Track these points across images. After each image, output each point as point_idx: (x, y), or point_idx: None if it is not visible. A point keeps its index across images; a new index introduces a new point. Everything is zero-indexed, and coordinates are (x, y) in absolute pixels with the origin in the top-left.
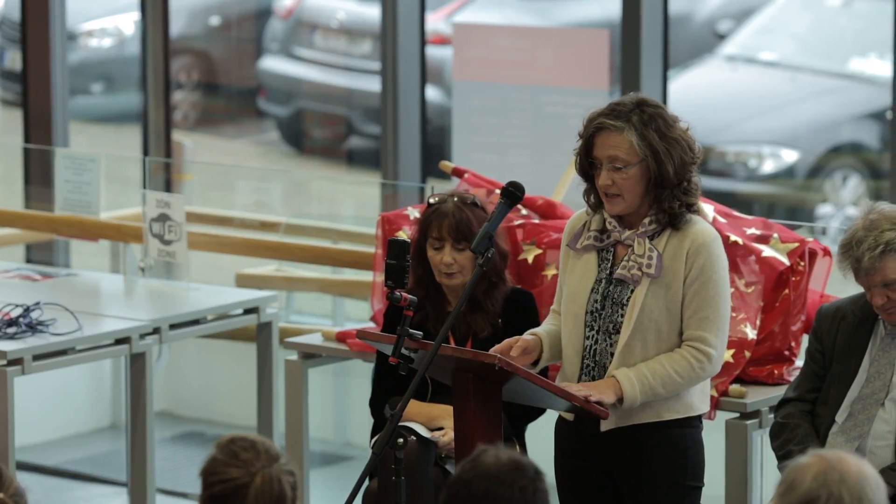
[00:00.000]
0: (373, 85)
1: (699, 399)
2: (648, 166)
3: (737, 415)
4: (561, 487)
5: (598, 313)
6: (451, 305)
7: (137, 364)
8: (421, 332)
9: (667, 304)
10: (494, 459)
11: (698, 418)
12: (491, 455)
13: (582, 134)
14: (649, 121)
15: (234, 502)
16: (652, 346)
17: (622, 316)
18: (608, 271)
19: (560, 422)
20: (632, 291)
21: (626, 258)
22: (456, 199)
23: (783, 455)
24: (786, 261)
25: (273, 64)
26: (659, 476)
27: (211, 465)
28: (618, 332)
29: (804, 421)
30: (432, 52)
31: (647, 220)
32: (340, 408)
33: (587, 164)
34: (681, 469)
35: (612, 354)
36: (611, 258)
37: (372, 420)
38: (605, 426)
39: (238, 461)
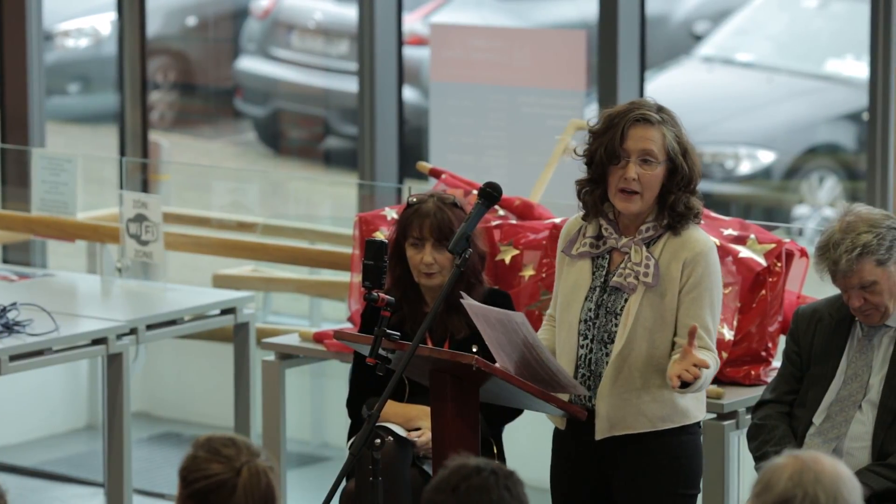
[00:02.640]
0: (350, 85)
1: (695, 406)
2: (668, 167)
3: (714, 416)
4: (555, 494)
5: (592, 322)
6: (429, 306)
7: (114, 364)
8: (398, 333)
9: (661, 312)
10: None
11: (696, 424)
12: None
13: (612, 124)
14: (672, 123)
15: (218, 499)
16: (644, 354)
17: (616, 325)
18: (603, 279)
19: (557, 430)
20: (625, 300)
21: (622, 266)
22: (436, 198)
23: (760, 456)
24: (763, 262)
25: (250, 64)
26: (653, 483)
27: (191, 463)
28: (612, 341)
29: (781, 422)
30: (409, 52)
31: (644, 227)
32: (318, 408)
33: (607, 159)
34: (675, 477)
35: (606, 363)
36: (606, 265)
37: (349, 421)
38: (598, 435)
39: (220, 457)
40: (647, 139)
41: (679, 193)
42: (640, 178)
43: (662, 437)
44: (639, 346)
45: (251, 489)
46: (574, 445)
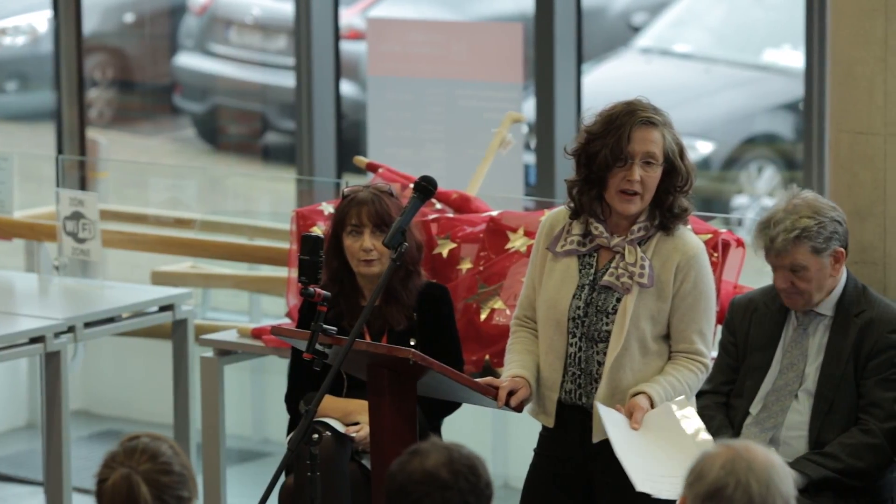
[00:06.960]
0: (288, 81)
1: None
2: (666, 168)
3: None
4: (530, 489)
5: (581, 320)
6: (366, 299)
7: (52, 363)
8: (335, 328)
9: (653, 312)
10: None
11: None
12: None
13: (615, 125)
14: (668, 123)
15: (100, 501)
16: (637, 353)
17: (607, 324)
18: (591, 277)
19: (544, 430)
20: (617, 300)
21: (613, 265)
22: (372, 188)
23: None
24: None
25: (188, 61)
26: None
27: (102, 462)
28: (603, 340)
29: (719, 413)
30: (347, 47)
31: (636, 227)
32: (257, 404)
33: (612, 161)
34: None
35: (598, 363)
36: (594, 264)
37: (289, 416)
38: (596, 437)
39: (113, 462)
40: (651, 141)
41: (676, 194)
42: (643, 179)
43: None
44: (633, 347)
45: (113, 495)
46: (563, 445)
